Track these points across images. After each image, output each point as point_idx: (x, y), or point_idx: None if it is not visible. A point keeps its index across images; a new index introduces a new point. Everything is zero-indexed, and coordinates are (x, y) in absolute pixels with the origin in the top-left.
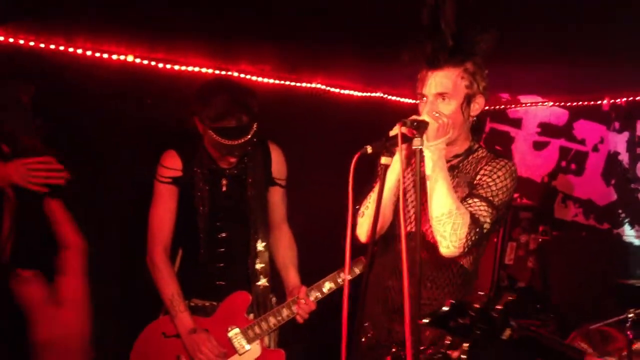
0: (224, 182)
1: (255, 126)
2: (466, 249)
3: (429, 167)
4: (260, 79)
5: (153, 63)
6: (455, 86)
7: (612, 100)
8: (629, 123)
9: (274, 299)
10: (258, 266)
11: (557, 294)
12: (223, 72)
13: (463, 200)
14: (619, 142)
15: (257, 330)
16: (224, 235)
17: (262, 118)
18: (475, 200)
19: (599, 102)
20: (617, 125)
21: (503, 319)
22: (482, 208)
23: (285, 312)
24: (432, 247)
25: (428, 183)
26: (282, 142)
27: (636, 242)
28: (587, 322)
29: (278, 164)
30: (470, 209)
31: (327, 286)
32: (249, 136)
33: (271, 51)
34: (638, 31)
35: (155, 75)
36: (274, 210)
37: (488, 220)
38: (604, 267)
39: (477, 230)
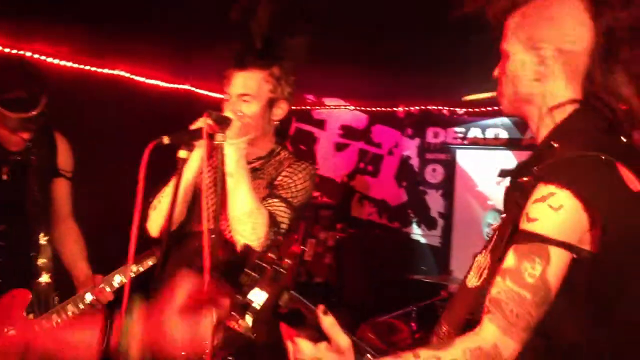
0: (5, 169)
1: (45, 99)
2: (264, 249)
3: (230, 166)
4: (56, 61)
5: None
6: (258, 89)
7: (407, 108)
8: (420, 130)
9: (56, 298)
10: (40, 262)
11: (351, 289)
12: (14, 51)
13: (263, 199)
14: (411, 148)
15: None
16: (2, 228)
17: (56, 103)
18: (275, 200)
19: (394, 109)
20: (409, 131)
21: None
22: (281, 208)
23: (70, 309)
24: (229, 245)
25: (228, 181)
26: (79, 131)
27: (422, 240)
28: (376, 315)
29: (64, 155)
30: (270, 208)
31: (117, 279)
32: (40, 108)
33: (71, 32)
34: (430, 46)
35: None
36: (60, 203)
37: (286, 220)
38: (394, 263)
39: (275, 230)
